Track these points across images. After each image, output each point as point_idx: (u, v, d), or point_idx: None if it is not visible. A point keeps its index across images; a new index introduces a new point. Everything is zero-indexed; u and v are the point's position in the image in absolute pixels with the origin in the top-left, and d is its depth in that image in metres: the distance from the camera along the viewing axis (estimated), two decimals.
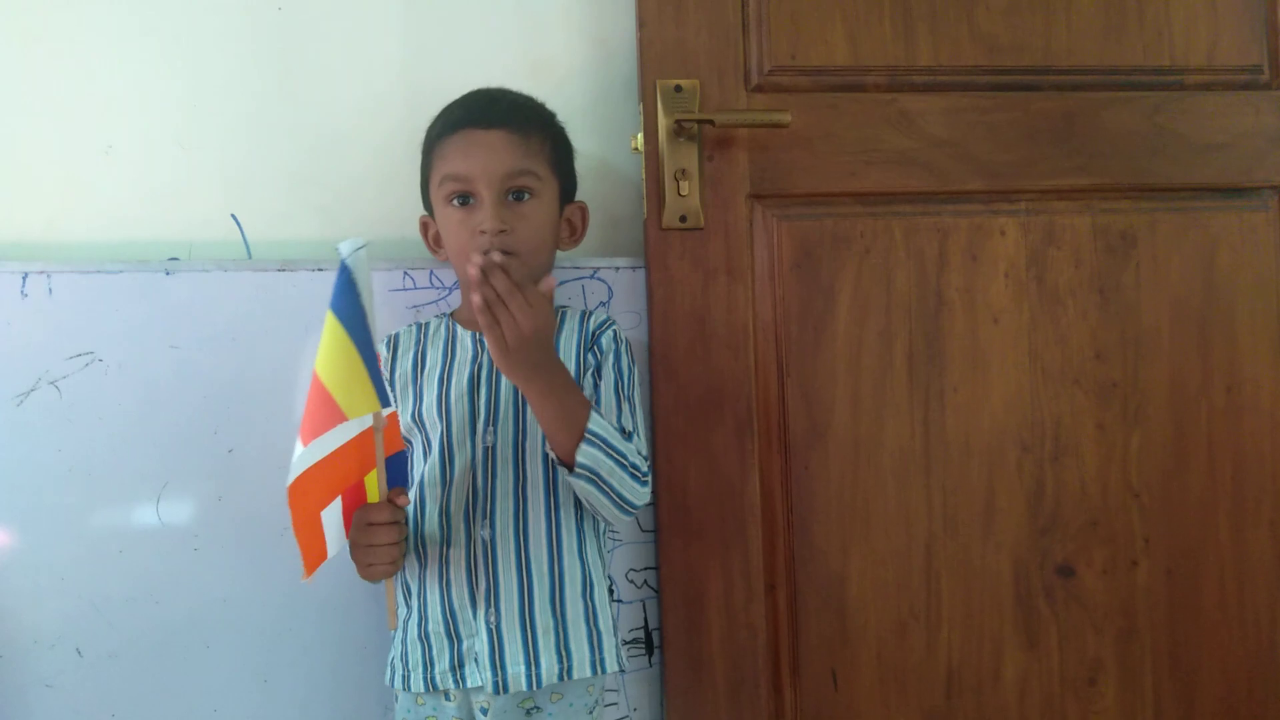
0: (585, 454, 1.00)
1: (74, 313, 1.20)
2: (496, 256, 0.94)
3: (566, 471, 1.02)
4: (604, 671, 1.07)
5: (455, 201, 1.10)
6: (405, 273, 1.25)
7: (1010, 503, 1.33)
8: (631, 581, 1.29)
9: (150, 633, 1.20)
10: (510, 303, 0.93)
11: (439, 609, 1.07)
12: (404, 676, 1.08)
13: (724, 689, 1.26)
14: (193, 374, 1.22)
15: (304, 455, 0.97)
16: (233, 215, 1.29)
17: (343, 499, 1.02)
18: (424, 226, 1.19)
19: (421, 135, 1.17)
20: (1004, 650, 1.32)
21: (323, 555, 1.02)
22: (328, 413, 0.95)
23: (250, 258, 1.29)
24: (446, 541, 1.07)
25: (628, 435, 1.07)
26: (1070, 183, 1.35)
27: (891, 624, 1.30)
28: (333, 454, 0.99)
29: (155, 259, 1.24)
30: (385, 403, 0.98)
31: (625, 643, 1.28)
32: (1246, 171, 1.39)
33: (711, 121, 1.24)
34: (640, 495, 1.05)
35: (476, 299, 0.93)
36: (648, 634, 1.29)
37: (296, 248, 1.29)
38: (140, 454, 1.21)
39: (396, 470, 1.08)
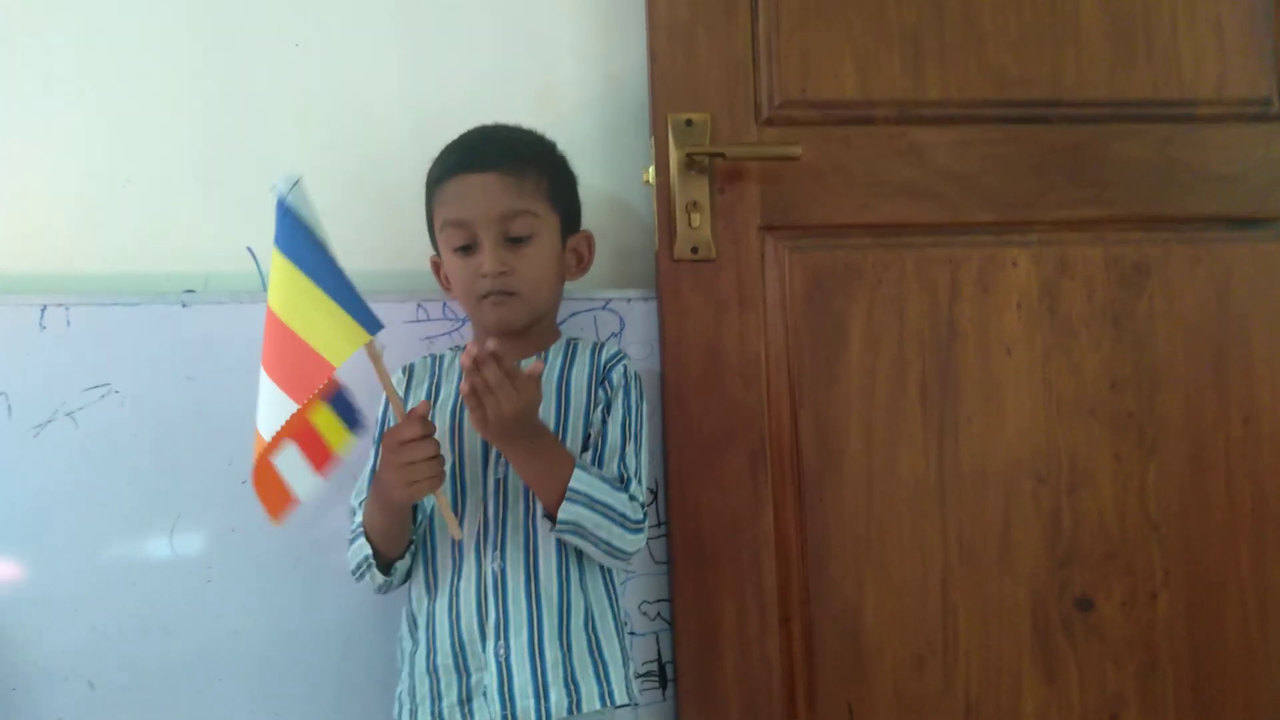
0: (568, 511, 1.02)
1: (91, 344, 1.21)
2: (490, 345, 0.95)
3: (549, 525, 1.03)
4: (613, 704, 1.06)
5: (459, 251, 1.11)
6: (419, 304, 1.26)
7: (1027, 534, 1.32)
8: (645, 614, 1.28)
9: (162, 665, 1.20)
10: (499, 392, 0.95)
11: (448, 642, 1.06)
12: (411, 710, 1.07)
13: None
14: (207, 405, 1.22)
15: (276, 405, 0.94)
16: (249, 248, 1.30)
17: (297, 442, 0.97)
18: (435, 267, 1.21)
19: (425, 164, 1.18)
20: (1023, 684, 1.30)
21: (288, 499, 0.98)
22: (310, 365, 0.92)
23: (266, 290, 1.29)
24: (457, 573, 1.07)
25: (624, 482, 1.07)
26: (1082, 214, 1.35)
27: (908, 657, 1.28)
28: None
29: (172, 291, 1.25)
30: (376, 326, 0.94)
31: (638, 675, 1.27)
32: (1259, 202, 1.39)
33: (723, 155, 1.25)
34: (631, 543, 1.06)
35: (465, 386, 0.96)
36: (661, 667, 1.28)
37: None
38: (154, 485, 1.21)
39: (346, 403, 1.01)
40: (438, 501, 1.02)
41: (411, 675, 1.08)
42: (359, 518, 1.10)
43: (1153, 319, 1.36)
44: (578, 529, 1.03)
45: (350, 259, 1.28)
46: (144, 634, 1.20)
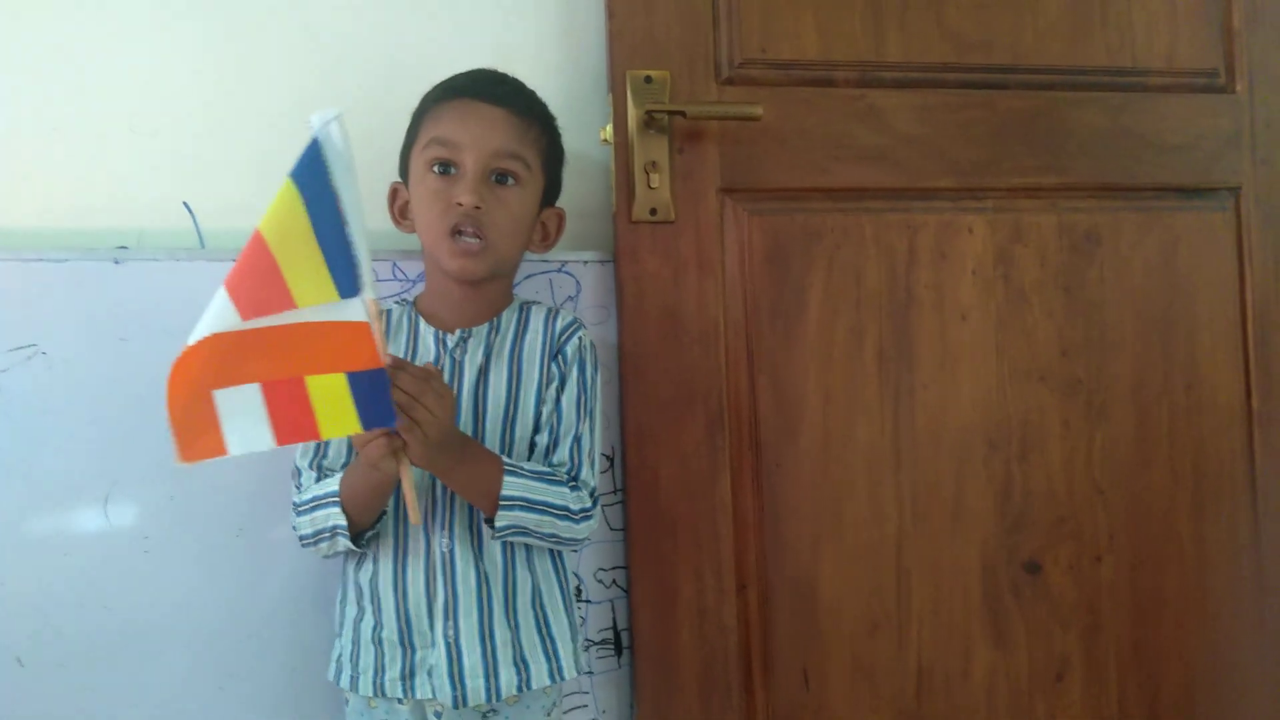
0: (504, 518, 1.00)
1: (15, 303, 1.14)
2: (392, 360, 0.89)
3: (490, 529, 1.02)
4: (563, 679, 1.06)
5: (436, 168, 1.06)
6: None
7: (979, 500, 1.33)
8: (600, 581, 1.27)
9: (99, 639, 1.15)
10: (425, 399, 0.90)
11: (394, 616, 1.03)
12: (352, 677, 1.05)
13: (695, 689, 1.24)
14: (142, 368, 1.15)
15: (221, 315, 0.85)
16: (185, 203, 1.24)
17: (265, 388, 0.87)
18: (393, 193, 1.14)
19: (383, 123, 1.13)
20: (973, 648, 1.32)
21: (217, 445, 0.86)
22: (275, 294, 0.84)
23: (204, 247, 1.24)
24: (403, 549, 1.04)
25: (574, 468, 1.06)
26: (1036, 181, 1.36)
27: (863, 622, 1.29)
28: (266, 331, 0.86)
29: (103, 247, 1.19)
30: (349, 291, 0.85)
31: (594, 643, 1.26)
32: (1205, 172, 1.41)
33: (683, 113, 1.23)
34: (579, 531, 1.05)
35: (399, 399, 0.88)
36: (616, 634, 1.27)
37: None
38: (87, 451, 1.15)
39: (375, 391, 0.88)
40: (404, 481, 0.94)
41: (356, 642, 1.06)
42: (308, 481, 1.06)
43: (1103, 287, 1.38)
44: (520, 530, 1.02)
45: None
46: (78, 608, 1.15)
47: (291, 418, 0.86)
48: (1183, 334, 1.40)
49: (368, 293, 0.86)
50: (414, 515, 0.94)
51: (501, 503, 1.00)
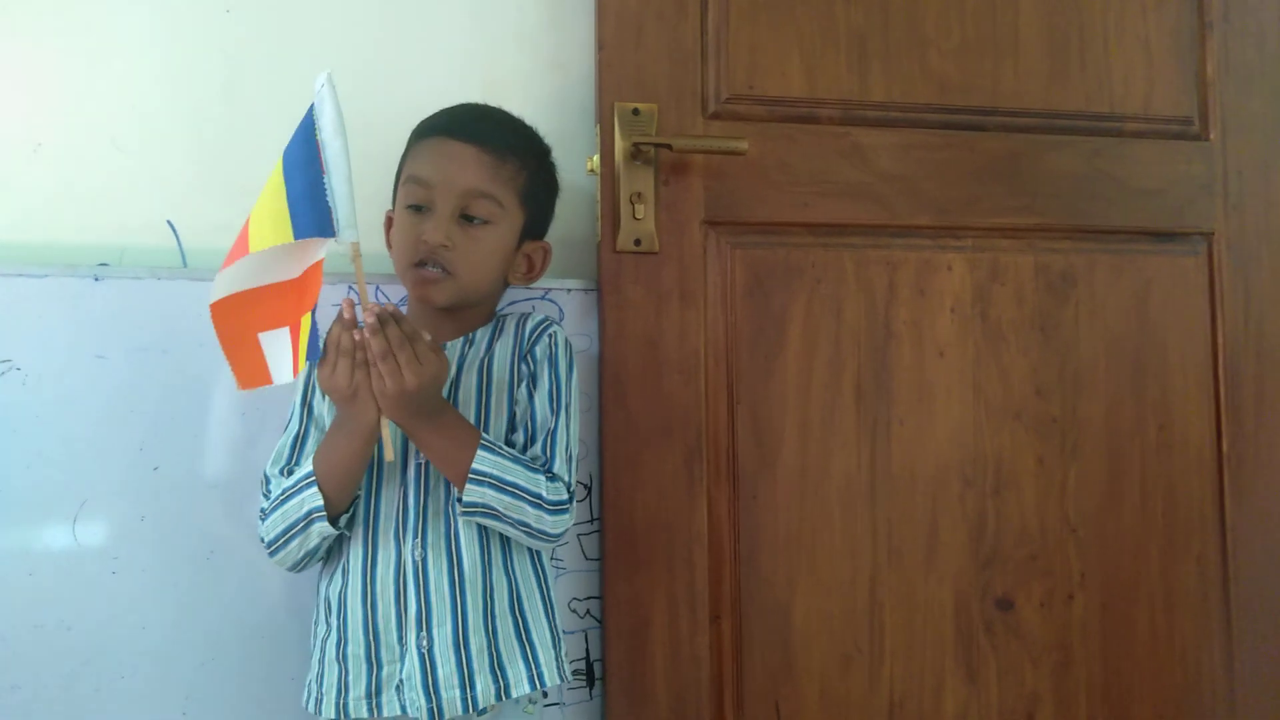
0: (472, 493, 0.98)
1: None
2: (391, 306, 0.94)
3: (458, 507, 1.01)
4: (542, 685, 1.03)
5: (409, 209, 1.07)
6: (350, 287, 1.21)
7: (953, 535, 1.34)
8: (574, 611, 1.26)
9: (58, 663, 1.13)
10: (399, 355, 0.92)
11: (360, 630, 1.01)
12: (316, 699, 1.03)
13: None
14: (119, 386, 1.16)
15: (221, 281, 0.95)
16: (169, 221, 1.23)
17: (292, 332, 0.95)
18: (388, 222, 1.15)
19: (369, 149, 1.13)
20: (945, 684, 1.32)
21: (264, 377, 0.96)
22: (239, 245, 0.93)
23: (186, 266, 1.23)
24: (371, 559, 1.02)
25: (547, 461, 1.04)
26: (1014, 221, 1.38)
27: (835, 656, 1.29)
28: (279, 284, 0.95)
29: (84, 264, 1.18)
30: (310, 232, 0.90)
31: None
32: (1178, 217, 1.44)
33: (669, 146, 1.24)
34: (552, 524, 1.02)
35: (374, 347, 0.92)
36: (589, 665, 1.26)
37: None
38: (57, 469, 1.14)
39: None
40: (381, 426, 0.97)
41: (321, 662, 1.04)
42: (278, 486, 1.05)
43: (1077, 327, 1.40)
44: (487, 510, 0.99)
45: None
46: (39, 629, 1.13)
47: (297, 353, 0.95)
48: (1155, 375, 1.42)
49: (347, 235, 0.91)
50: (388, 451, 0.97)
51: (471, 476, 0.98)
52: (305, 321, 0.94)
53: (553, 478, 1.03)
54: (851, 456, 1.32)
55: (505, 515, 1.00)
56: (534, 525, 1.01)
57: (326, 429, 1.05)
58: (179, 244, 1.23)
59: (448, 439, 0.99)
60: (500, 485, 0.99)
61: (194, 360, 1.17)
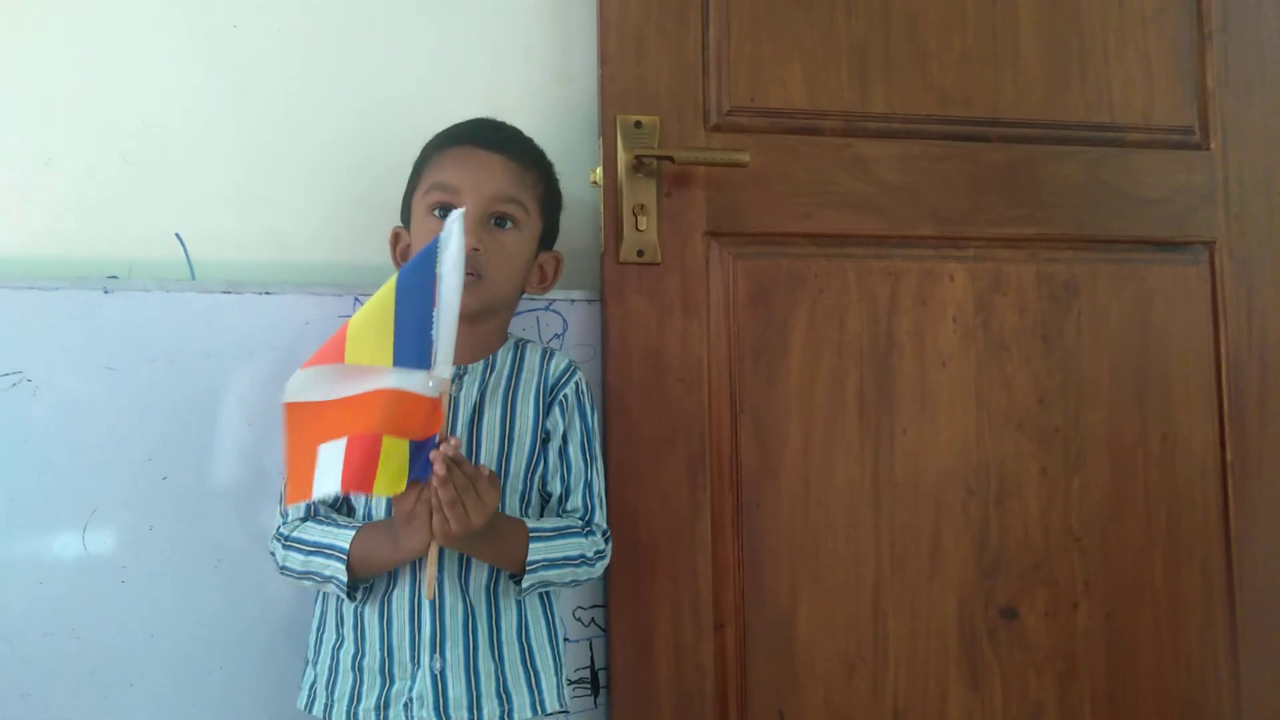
0: (530, 579, 1.04)
1: (3, 331, 1.15)
2: (452, 445, 0.93)
3: (515, 588, 1.05)
4: (544, 711, 1.06)
5: (436, 212, 1.08)
6: (355, 299, 1.22)
7: (956, 544, 1.34)
8: (579, 620, 1.27)
9: (67, 670, 1.14)
10: (466, 500, 0.93)
11: (378, 645, 1.04)
12: (326, 705, 1.05)
13: None
14: (128, 397, 1.17)
15: (301, 380, 0.94)
16: (177, 234, 1.25)
17: (349, 441, 0.93)
18: (395, 238, 1.17)
19: (375, 161, 1.16)
20: (949, 692, 1.32)
21: (306, 491, 0.93)
22: (331, 348, 0.93)
23: (194, 279, 1.25)
24: (391, 580, 1.05)
25: (587, 514, 1.10)
26: (1016, 232, 1.39)
27: (839, 664, 1.30)
28: (354, 398, 0.94)
29: (93, 276, 1.19)
30: (409, 363, 0.92)
31: (571, 682, 1.25)
32: (1180, 227, 1.44)
33: (671, 158, 1.25)
34: (595, 573, 1.10)
35: (444, 496, 0.92)
36: (594, 673, 1.27)
37: (243, 270, 1.26)
38: (68, 479, 1.15)
39: (423, 455, 0.96)
40: (429, 562, 0.97)
41: (333, 669, 1.06)
42: (296, 514, 1.06)
43: (1080, 337, 1.40)
44: (543, 584, 1.05)
45: (279, 249, 1.27)
46: (49, 636, 1.14)
47: (358, 468, 0.91)
48: (1158, 385, 1.42)
49: (442, 371, 0.92)
50: (430, 591, 0.97)
51: (528, 569, 1.03)
52: (393, 445, 0.92)
53: (591, 531, 1.09)
54: (854, 465, 1.32)
55: (557, 583, 1.07)
56: (581, 579, 1.09)
57: None
58: (187, 257, 1.25)
59: (499, 546, 1.03)
60: (552, 564, 1.05)
61: (202, 371, 1.18)
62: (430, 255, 0.93)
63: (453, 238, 0.93)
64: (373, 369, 0.92)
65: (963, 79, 1.39)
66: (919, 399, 1.34)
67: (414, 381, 0.92)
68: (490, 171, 1.09)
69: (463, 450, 1.06)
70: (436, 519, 0.94)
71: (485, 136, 1.12)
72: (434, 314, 0.92)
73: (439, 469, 0.92)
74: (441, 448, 0.92)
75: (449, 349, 0.92)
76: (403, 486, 0.92)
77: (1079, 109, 1.42)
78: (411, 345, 0.92)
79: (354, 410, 0.93)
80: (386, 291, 0.93)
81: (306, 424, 0.94)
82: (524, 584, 1.03)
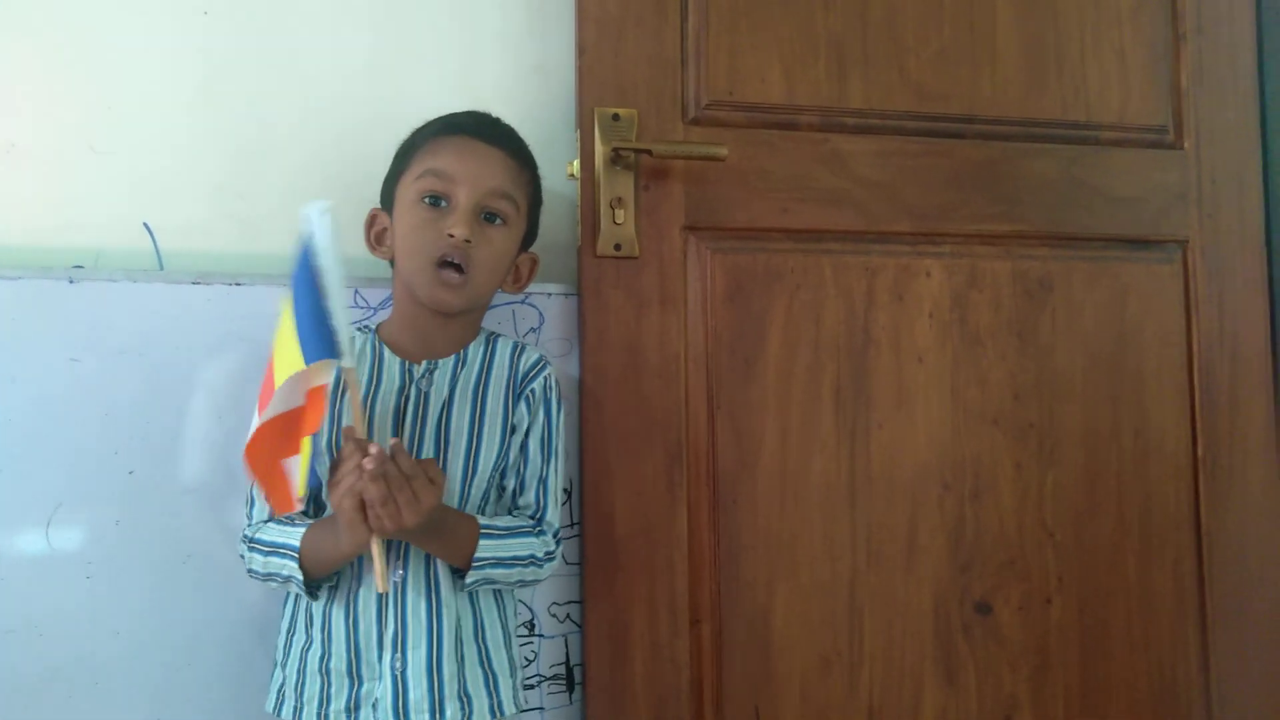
0: (475, 575, 1.03)
1: None
2: (391, 444, 0.94)
3: (458, 580, 1.04)
4: (502, 715, 1.06)
5: (427, 199, 1.06)
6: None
7: (931, 540, 1.34)
8: (554, 616, 1.26)
9: (29, 669, 1.11)
10: (399, 497, 0.92)
11: (343, 646, 1.02)
12: (295, 708, 1.03)
13: None
14: (93, 390, 1.14)
15: (255, 422, 0.97)
16: (145, 224, 1.23)
17: (300, 455, 0.98)
18: (371, 219, 1.14)
19: (347, 151, 1.14)
20: (924, 687, 1.33)
21: (289, 502, 0.97)
22: (266, 384, 0.96)
23: (162, 269, 1.22)
24: (357, 579, 1.03)
25: (538, 512, 1.10)
26: (992, 228, 1.39)
27: (815, 660, 1.29)
28: (292, 411, 0.96)
29: (58, 266, 1.17)
30: (316, 356, 0.93)
31: (546, 679, 1.24)
32: (1154, 225, 1.45)
33: (649, 151, 1.24)
34: (542, 574, 1.09)
35: (374, 493, 0.92)
36: (569, 670, 1.26)
37: (213, 260, 1.23)
38: (31, 473, 1.12)
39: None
40: (374, 554, 0.96)
41: (301, 671, 1.04)
42: (259, 513, 1.06)
43: (1054, 333, 1.41)
44: (487, 581, 1.04)
45: (250, 239, 1.25)
46: (10, 634, 1.11)
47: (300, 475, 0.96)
48: (1131, 381, 1.43)
49: (345, 361, 0.94)
50: (381, 584, 0.96)
51: (474, 565, 1.02)
52: (306, 445, 0.96)
53: (542, 530, 1.08)
54: (831, 461, 1.32)
55: (503, 581, 1.05)
56: (528, 580, 1.08)
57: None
58: (155, 246, 1.23)
59: (447, 541, 1.02)
60: (499, 562, 1.04)
61: (169, 364, 1.16)
62: (306, 253, 0.94)
63: (315, 225, 0.94)
64: (294, 376, 0.94)
65: (940, 75, 1.39)
66: (895, 395, 1.34)
67: (327, 373, 0.96)
68: (490, 165, 1.07)
69: (432, 445, 1.05)
70: (370, 514, 0.93)
71: (487, 130, 1.10)
72: (326, 305, 0.94)
73: (368, 464, 0.91)
74: (372, 449, 0.92)
75: (347, 337, 0.94)
76: (303, 487, 0.96)
77: (1055, 107, 1.43)
78: (313, 340, 0.93)
79: (299, 422, 0.96)
80: (287, 306, 0.96)
81: (267, 447, 0.96)
82: (467, 579, 1.02)
